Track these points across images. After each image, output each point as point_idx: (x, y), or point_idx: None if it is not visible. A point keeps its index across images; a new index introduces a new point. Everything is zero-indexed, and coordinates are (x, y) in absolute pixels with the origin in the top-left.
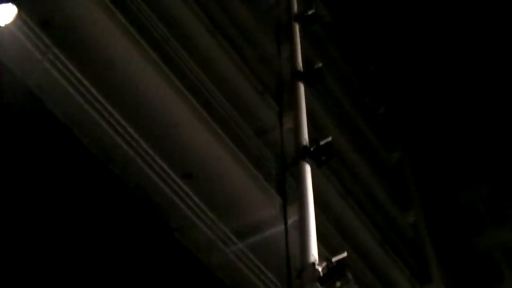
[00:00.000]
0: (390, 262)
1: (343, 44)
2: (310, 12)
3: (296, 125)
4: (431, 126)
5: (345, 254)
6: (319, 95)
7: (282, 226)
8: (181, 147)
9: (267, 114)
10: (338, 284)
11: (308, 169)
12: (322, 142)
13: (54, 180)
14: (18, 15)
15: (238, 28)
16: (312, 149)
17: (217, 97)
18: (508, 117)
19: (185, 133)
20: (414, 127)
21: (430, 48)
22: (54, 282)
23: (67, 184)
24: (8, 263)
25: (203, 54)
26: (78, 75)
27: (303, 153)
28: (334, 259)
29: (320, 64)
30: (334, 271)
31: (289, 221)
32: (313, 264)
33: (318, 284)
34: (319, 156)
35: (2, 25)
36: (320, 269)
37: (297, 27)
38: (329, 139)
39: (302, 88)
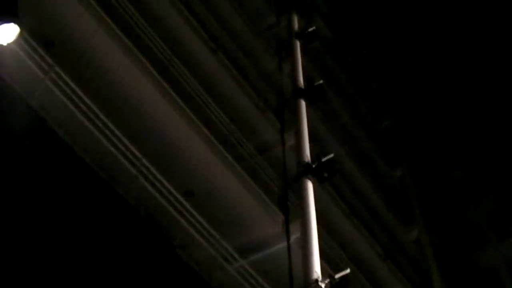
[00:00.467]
0: (393, 278)
1: (344, 60)
2: (310, 29)
3: (297, 142)
4: (433, 142)
5: (348, 271)
6: (320, 112)
7: (285, 243)
8: (183, 165)
9: (269, 131)
10: None
11: (310, 185)
12: (324, 159)
13: (56, 198)
14: (20, 34)
15: (239, 45)
16: (314, 165)
17: (218, 114)
18: (509, 132)
19: (186, 151)
20: (416, 143)
21: (432, 64)
22: None
23: (70, 202)
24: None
25: (204, 71)
26: (80, 94)
27: (305, 170)
28: (337, 276)
29: (321, 81)
30: (337, 287)
31: (292, 238)
32: (316, 281)
33: None
34: (321, 173)
35: (5, 44)
36: (323, 286)
37: (298, 44)
38: (331, 155)
39: (303, 105)
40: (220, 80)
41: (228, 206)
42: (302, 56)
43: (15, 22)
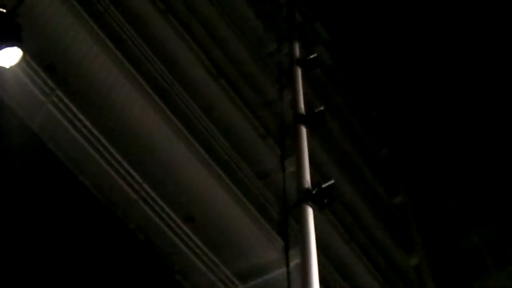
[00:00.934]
0: None
1: (345, 87)
2: (311, 56)
3: (298, 168)
4: (433, 169)
5: None
6: (321, 139)
7: (284, 269)
8: (184, 190)
9: (269, 157)
10: None
11: (310, 212)
12: (324, 185)
13: (56, 221)
14: (23, 58)
15: (240, 72)
16: (314, 192)
17: (219, 140)
18: (509, 160)
19: (187, 176)
20: (416, 171)
21: (432, 93)
22: None
23: (69, 226)
24: None
25: (205, 97)
26: (81, 117)
27: (305, 196)
28: None
29: (322, 108)
30: None
31: (291, 264)
32: None
33: None
34: (321, 199)
35: (7, 67)
36: None
37: (299, 71)
38: (332, 182)
39: (304, 131)
40: (221, 106)
41: (228, 232)
42: (303, 83)
43: (18, 46)
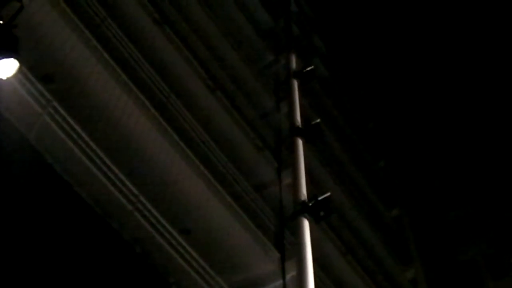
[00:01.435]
0: None
1: (342, 100)
2: (308, 69)
3: (294, 181)
4: (430, 182)
5: None
6: (317, 151)
7: (280, 281)
8: (180, 202)
9: (266, 170)
10: None
11: (306, 224)
12: (320, 198)
13: (52, 232)
14: (20, 69)
15: (237, 85)
16: (310, 204)
17: (216, 152)
18: (506, 173)
19: (184, 189)
20: (413, 184)
21: (429, 106)
22: None
23: (65, 237)
24: None
25: (202, 110)
26: (78, 129)
27: (302, 208)
28: None
29: (318, 120)
30: None
31: (287, 276)
32: None
33: None
34: (317, 212)
35: (4, 78)
36: None
37: (295, 84)
38: (328, 194)
39: (300, 143)
40: (218, 119)
41: (224, 244)
42: (299, 95)
43: (15, 57)
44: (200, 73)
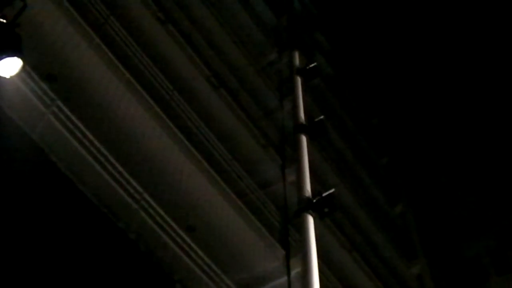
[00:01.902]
0: None
1: (345, 96)
2: (311, 66)
3: (299, 178)
4: (434, 178)
5: None
6: (321, 148)
7: (285, 278)
8: (184, 199)
9: (270, 167)
10: None
11: (311, 221)
12: (325, 194)
13: (57, 231)
14: (23, 68)
15: (240, 82)
16: (315, 201)
17: (220, 150)
18: (510, 169)
19: (188, 186)
20: (418, 180)
21: (433, 102)
22: None
23: (70, 235)
24: None
25: (206, 108)
26: (82, 128)
27: (306, 205)
28: None
29: (322, 117)
30: None
31: (292, 273)
32: None
33: None
34: (322, 208)
35: (7, 77)
36: None
37: (299, 81)
38: (332, 190)
39: (304, 140)
40: (221, 116)
41: (229, 241)
42: (303, 92)
43: (18, 56)
44: (204, 70)
